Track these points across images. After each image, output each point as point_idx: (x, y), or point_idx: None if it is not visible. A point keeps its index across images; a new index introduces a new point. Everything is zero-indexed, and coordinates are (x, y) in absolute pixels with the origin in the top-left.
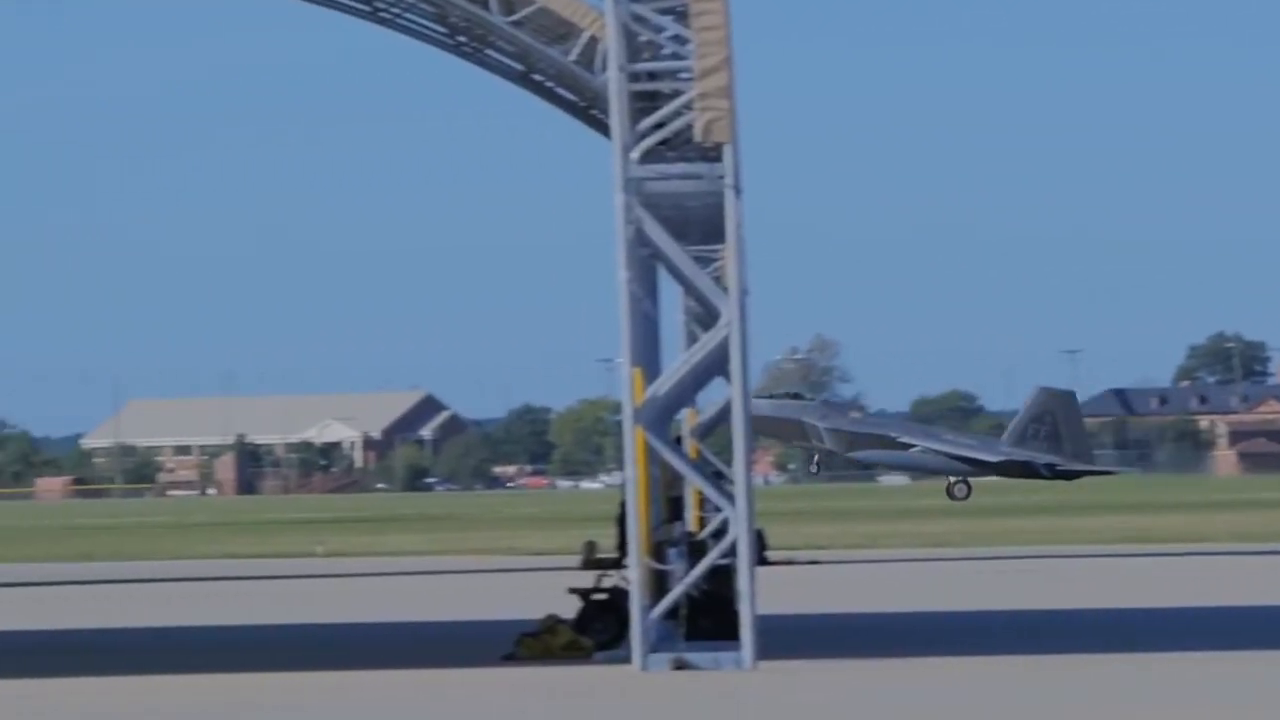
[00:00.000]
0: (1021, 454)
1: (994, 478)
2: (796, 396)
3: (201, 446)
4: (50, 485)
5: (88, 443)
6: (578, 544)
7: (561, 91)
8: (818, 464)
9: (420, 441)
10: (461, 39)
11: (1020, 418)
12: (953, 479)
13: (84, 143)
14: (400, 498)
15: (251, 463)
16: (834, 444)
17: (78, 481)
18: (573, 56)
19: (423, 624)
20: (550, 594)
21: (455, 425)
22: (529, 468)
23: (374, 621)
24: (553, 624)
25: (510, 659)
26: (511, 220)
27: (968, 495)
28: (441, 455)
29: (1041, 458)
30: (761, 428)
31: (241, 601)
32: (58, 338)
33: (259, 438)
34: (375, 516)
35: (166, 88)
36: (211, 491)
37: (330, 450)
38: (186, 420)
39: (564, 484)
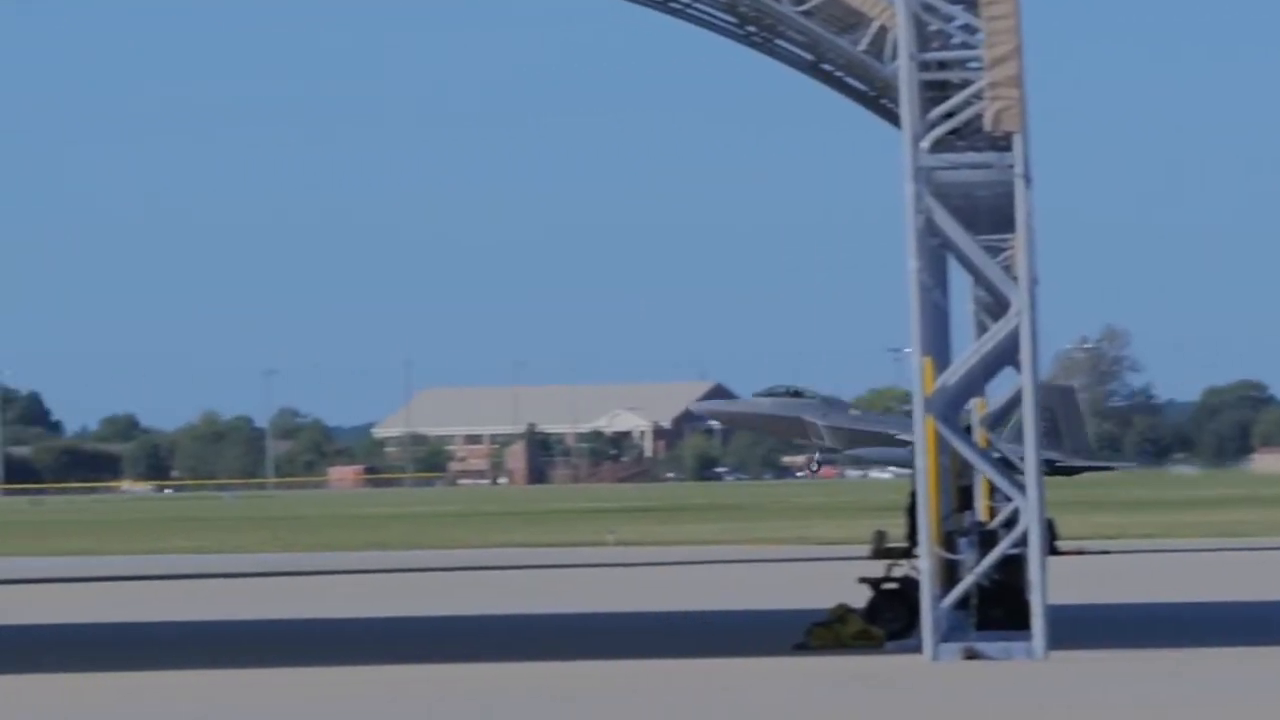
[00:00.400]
0: (1020, 451)
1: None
2: (797, 394)
3: (492, 436)
4: (342, 474)
5: (379, 432)
6: (868, 533)
7: (851, 81)
8: (819, 462)
9: (709, 431)
10: (751, 29)
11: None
12: None
13: (378, 137)
14: (690, 487)
15: (542, 452)
16: (834, 441)
17: (369, 471)
18: (862, 46)
19: (713, 613)
20: (841, 583)
21: None
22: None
23: (664, 610)
24: (843, 613)
25: (801, 648)
26: (800, 209)
27: None
28: (731, 444)
29: (1040, 454)
30: (762, 425)
31: (532, 590)
32: (351, 328)
33: (549, 427)
34: (665, 506)
35: (468, 79)
36: (502, 480)
37: (620, 439)
38: (477, 409)
39: (852, 474)
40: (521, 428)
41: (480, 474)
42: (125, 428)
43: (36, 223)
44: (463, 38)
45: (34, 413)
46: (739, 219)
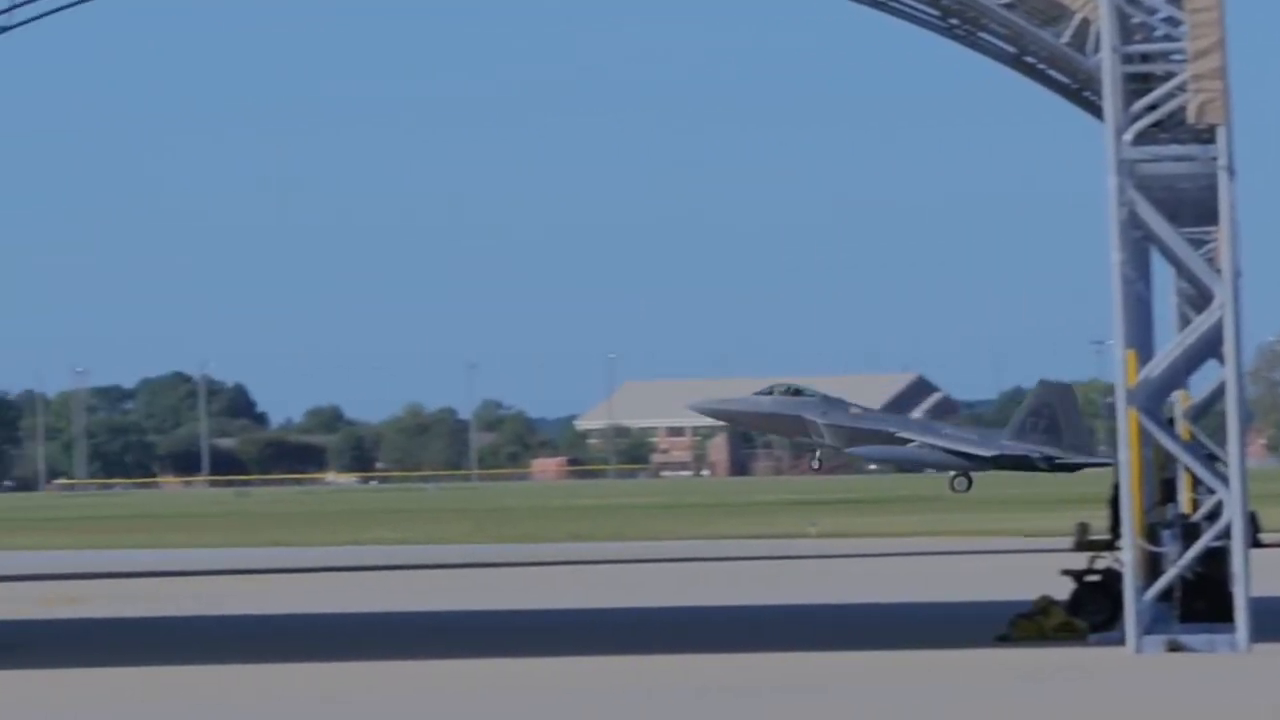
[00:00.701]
0: (1019, 448)
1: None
2: (797, 392)
3: (694, 428)
4: (545, 466)
5: (582, 424)
6: (1070, 525)
7: (1053, 74)
8: (819, 459)
9: None
10: (954, 21)
11: (1019, 412)
12: (953, 473)
13: (582, 130)
14: (892, 479)
15: (744, 444)
16: (834, 439)
17: (572, 462)
18: (1065, 39)
19: (916, 605)
20: (1043, 575)
21: (947, 407)
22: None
23: (867, 602)
24: (1046, 605)
25: (1004, 640)
26: (1003, 201)
27: (968, 488)
28: None
29: (1039, 451)
30: (763, 424)
31: (733, 582)
32: (554, 320)
33: None
34: (867, 498)
35: (670, 68)
36: (704, 473)
37: None
38: (680, 401)
39: None
40: (720, 421)
41: (682, 466)
42: (330, 420)
43: (241, 217)
44: (683, 28)
45: (240, 405)
46: (943, 211)
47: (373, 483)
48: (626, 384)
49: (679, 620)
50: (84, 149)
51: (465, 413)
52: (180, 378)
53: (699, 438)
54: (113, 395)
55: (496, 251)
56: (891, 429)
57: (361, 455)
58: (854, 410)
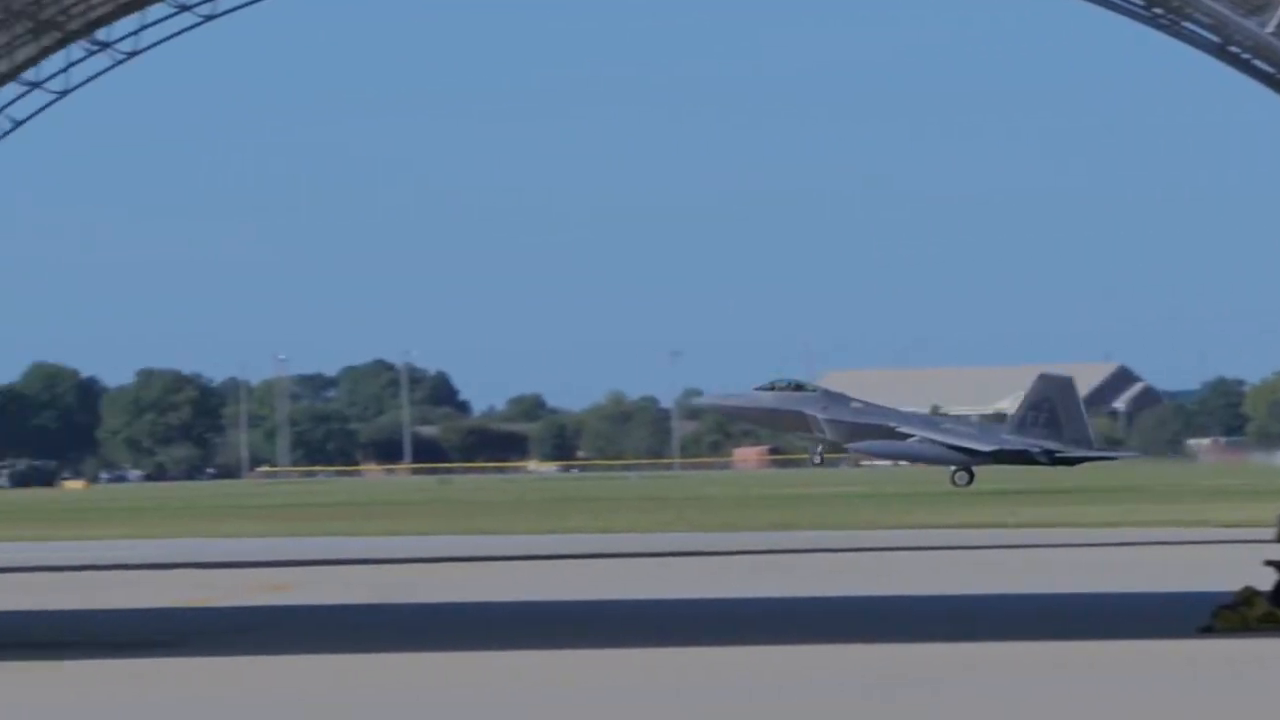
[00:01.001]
0: (1018, 442)
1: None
2: (799, 388)
3: None
4: (747, 455)
5: None
6: (1272, 516)
7: (1258, 63)
8: (821, 455)
9: (1113, 413)
10: (1158, 10)
11: (1020, 406)
12: (954, 468)
13: (771, 120)
14: (1094, 469)
15: None
16: (834, 434)
17: (774, 451)
18: (1270, 29)
19: (1117, 595)
20: (1247, 566)
21: (1149, 397)
22: (1222, 440)
23: (1066, 592)
24: (1249, 596)
25: (1207, 631)
26: (1207, 191)
27: (969, 482)
28: (1134, 427)
29: (1039, 445)
30: (764, 419)
31: (933, 571)
32: (757, 308)
33: (953, 408)
34: (1067, 488)
35: (873, 62)
36: (903, 462)
37: None
38: (880, 390)
39: (1257, 456)
40: (925, 409)
41: None
42: (532, 408)
43: (444, 207)
44: (899, 15)
45: (442, 393)
46: (1149, 201)
47: (574, 471)
48: (829, 374)
49: (880, 609)
50: (289, 140)
51: (667, 401)
52: (382, 365)
53: None
54: (315, 383)
55: (699, 240)
56: (892, 424)
57: (563, 444)
58: (855, 405)
